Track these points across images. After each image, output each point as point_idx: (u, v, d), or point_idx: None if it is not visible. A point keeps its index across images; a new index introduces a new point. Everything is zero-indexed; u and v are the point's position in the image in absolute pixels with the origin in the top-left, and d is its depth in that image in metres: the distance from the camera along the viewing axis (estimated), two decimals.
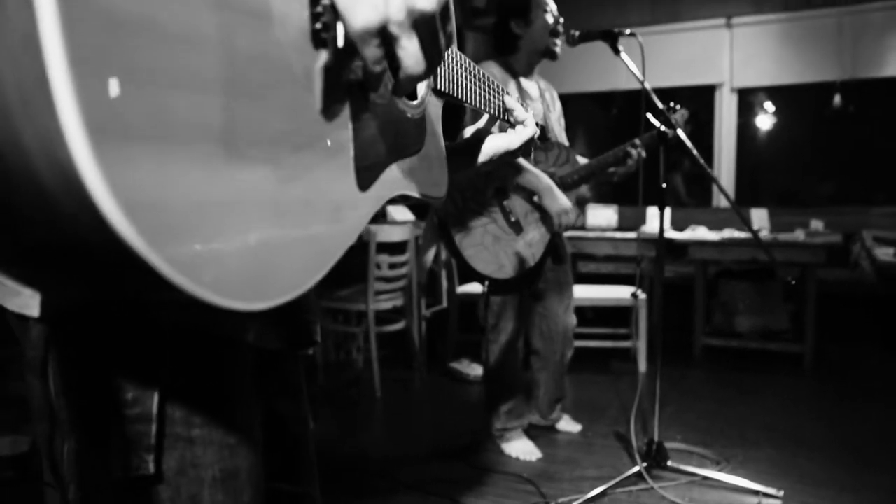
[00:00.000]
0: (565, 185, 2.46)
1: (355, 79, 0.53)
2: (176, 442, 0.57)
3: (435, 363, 3.90)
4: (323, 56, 0.48)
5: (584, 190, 2.60)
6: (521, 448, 2.58)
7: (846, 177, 5.16)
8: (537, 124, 0.89)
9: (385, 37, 0.48)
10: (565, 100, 2.91)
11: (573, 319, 2.72)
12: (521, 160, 2.30)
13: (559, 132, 2.62)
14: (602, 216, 4.38)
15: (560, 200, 2.38)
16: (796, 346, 3.85)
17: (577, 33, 2.35)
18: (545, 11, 2.43)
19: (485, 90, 0.80)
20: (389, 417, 3.20)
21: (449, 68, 0.73)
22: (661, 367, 2.33)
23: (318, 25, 0.48)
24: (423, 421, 3.19)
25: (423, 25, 0.49)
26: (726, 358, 3.98)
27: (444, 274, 4.16)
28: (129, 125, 0.30)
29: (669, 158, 2.25)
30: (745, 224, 2.28)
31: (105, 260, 0.33)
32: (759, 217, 4.18)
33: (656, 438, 2.32)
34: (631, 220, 4.39)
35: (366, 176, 0.56)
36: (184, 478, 0.57)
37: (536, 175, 2.37)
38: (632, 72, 2.25)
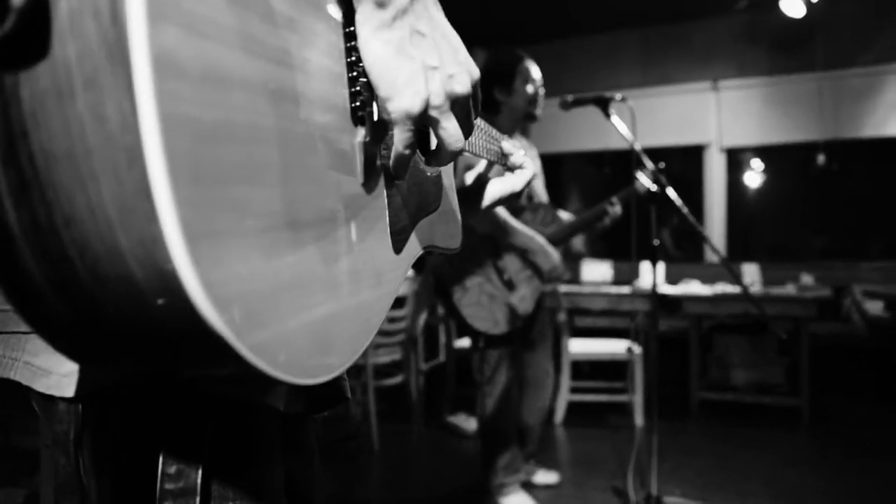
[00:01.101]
0: (553, 243, 2.59)
1: (384, 164, 0.56)
2: None
3: (432, 417, 3.90)
4: (361, 132, 0.52)
5: (578, 245, 2.70)
6: (519, 502, 2.57)
7: (834, 232, 5.28)
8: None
9: (421, 120, 0.51)
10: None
11: (551, 365, 2.83)
12: (517, 223, 2.44)
13: (542, 191, 2.77)
14: (597, 271, 4.46)
15: (552, 258, 2.52)
16: (792, 399, 3.87)
17: (570, 98, 2.46)
18: (527, 82, 2.51)
19: (484, 139, 0.84)
20: (387, 471, 3.19)
21: None
22: (657, 420, 2.35)
23: (357, 104, 0.51)
24: (420, 475, 3.17)
25: (459, 106, 0.54)
26: (723, 412, 3.99)
27: (441, 328, 4.19)
28: (215, 225, 0.33)
29: (659, 214, 2.33)
30: (736, 279, 2.35)
31: (190, 345, 0.35)
32: (751, 272, 4.26)
33: (655, 493, 2.32)
34: (625, 275, 4.46)
35: (399, 239, 0.59)
36: None
37: (530, 237, 2.49)
38: (622, 134, 2.36)
